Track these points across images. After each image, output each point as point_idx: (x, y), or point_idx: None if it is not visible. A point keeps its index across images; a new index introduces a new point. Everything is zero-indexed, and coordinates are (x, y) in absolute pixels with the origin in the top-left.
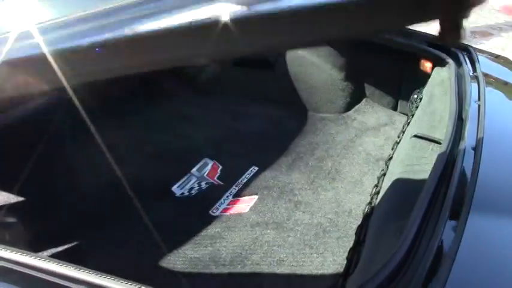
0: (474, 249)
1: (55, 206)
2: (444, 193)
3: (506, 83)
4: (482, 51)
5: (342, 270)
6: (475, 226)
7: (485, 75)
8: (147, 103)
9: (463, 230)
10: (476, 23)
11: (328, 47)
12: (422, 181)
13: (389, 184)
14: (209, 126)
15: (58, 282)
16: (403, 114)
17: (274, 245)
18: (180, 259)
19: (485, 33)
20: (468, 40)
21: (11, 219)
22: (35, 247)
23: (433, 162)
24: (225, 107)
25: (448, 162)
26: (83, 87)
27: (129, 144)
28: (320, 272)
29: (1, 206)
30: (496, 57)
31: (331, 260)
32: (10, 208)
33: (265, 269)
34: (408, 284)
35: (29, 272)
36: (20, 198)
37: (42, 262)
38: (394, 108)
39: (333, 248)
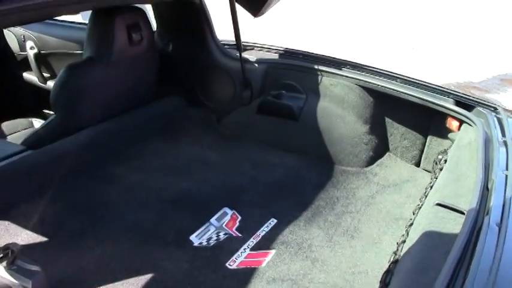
0: None
1: (74, 247)
2: (464, 271)
3: None
4: (510, 111)
5: None
6: None
7: None
8: (169, 146)
9: None
10: (506, 70)
11: (354, 99)
12: (442, 255)
13: (408, 253)
14: (229, 173)
15: None
16: (426, 171)
17: None
18: None
19: None
20: (495, 88)
21: (34, 268)
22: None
23: (455, 234)
24: (247, 154)
25: (470, 238)
26: (108, 129)
27: (149, 188)
28: None
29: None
30: None
31: None
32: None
33: None
34: None
35: None
36: (41, 239)
37: None
38: (417, 165)
39: None
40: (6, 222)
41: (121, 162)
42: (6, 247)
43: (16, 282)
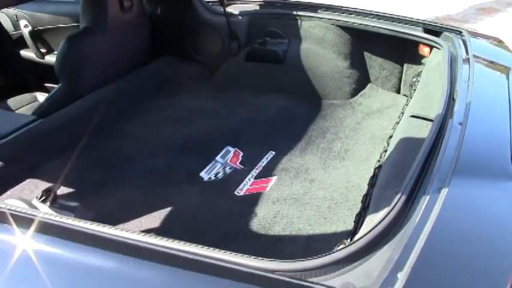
0: (454, 208)
1: (99, 195)
2: (432, 162)
3: (492, 62)
4: (475, 34)
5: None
6: (457, 189)
7: (476, 56)
8: (168, 101)
9: (446, 191)
10: (481, 0)
11: (333, 38)
12: (415, 154)
13: (388, 159)
14: (227, 117)
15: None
16: (406, 96)
17: (293, 217)
18: (212, 232)
19: (490, 9)
20: (473, 18)
21: (73, 204)
22: None
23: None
24: (241, 99)
25: (438, 137)
26: (111, 92)
27: (155, 138)
28: (334, 237)
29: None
30: (484, 37)
31: (343, 227)
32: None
33: (286, 238)
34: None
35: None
36: (67, 191)
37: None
38: (398, 91)
39: (344, 218)
40: (35, 180)
41: (126, 120)
42: (48, 189)
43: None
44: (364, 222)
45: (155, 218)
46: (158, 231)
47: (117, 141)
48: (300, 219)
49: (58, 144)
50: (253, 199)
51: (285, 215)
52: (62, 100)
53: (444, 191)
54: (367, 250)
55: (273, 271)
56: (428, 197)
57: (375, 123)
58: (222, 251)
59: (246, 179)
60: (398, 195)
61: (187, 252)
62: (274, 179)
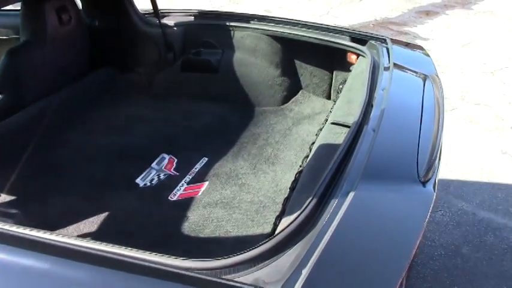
0: (359, 210)
1: (39, 202)
2: (344, 167)
3: (411, 70)
4: (397, 42)
5: None
6: (363, 192)
7: (396, 64)
8: (108, 110)
9: (353, 195)
10: (420, 3)
11: (264, 47)
12: (331, 159)
13: (308, 164)
14: (164, 125)
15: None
16: (335, 101)
17: (223, 220)
18: (145, 236)
19: (429, 12)
20: (412, 21)
21: (12, 211)
22: None
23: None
24: (177, 108)
25: (352, 143)
26: (53, 102)
27: (96, 146)
28: (259, 238)
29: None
30: (407, 45)
31: (268, 229)
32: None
33: (215, 240)
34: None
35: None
36: (8, 198)
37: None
38: (328, 97)
39: (270, 220)
40: None
41: (69, 129)
42: None
43: None
44: (280, 224)
45: (93, 223)
46: (94, 235)
47: (59, 149)
48: (229, 222)
49: (0, 155)
50: (186, 204)
51: (214, 218)
52: (4, 111)
53: (351, 194)
54: (279, 249)
55: (189, 269)
56: (337, 200)
57: (305, 128)
58: (147, 252)
59: (179, 185)
60: (310, 199)
61: (112, 253)
62: (206, 184)
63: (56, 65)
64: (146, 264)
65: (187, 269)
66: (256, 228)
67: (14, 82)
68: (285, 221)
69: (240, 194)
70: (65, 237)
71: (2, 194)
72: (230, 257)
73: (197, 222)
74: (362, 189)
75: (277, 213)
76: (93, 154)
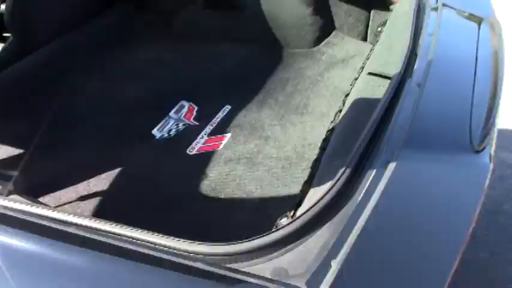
0: (401, 185)
1: (48, 157)
2: (383, 131)
3: (464, 12)
4: None
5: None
6: (406, 163)
7: (445, 5)
8: (124, 53)
9: (394, 166)
10: None
11: None
12: (368, 118)
13: (341, 120)
14: (184, 70)
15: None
16: (372, 44)
17: (246, 178)
18: (159, 195)
19: None
20: None
21: (10, 172)
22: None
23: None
24: (198, 50)
25: (393, 100)
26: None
27: (110, 93)
28: (284, 202)
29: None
30: None
31: (295, 189)
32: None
33: (236, 201)
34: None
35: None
36: (16, 153)
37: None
38: (364, 39)
39: (298, 179)
40: None
41: (80, 75)
42: None
43: None
44: (307, 196)
45: (103, 181)
46: (104, 194)
47: (69, 98)
48: (252, 181)
49: (8, 103)
50: (205, 158)
51: (236, 176)
52: (13, 55)
53: (392, 166)
54: (304, 232)
55: (202, 254)
56: (374, 171)
57: (338, 74)
58: (151, 233)
59: (199, 137)
60: (342, 169)
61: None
62: (228, 136)
63: (68, 4)
64: (145, 251)
65: (193, 255)
66: (281, 188)
67: (23, 23)
68: (313, 193)
69: (264, 148)
70: (61, 213)
71: (7, 146)
72: (246, 241)
73: (217, 181)
74: (404, 159)
75: (306, 171)
76: (106, 102)
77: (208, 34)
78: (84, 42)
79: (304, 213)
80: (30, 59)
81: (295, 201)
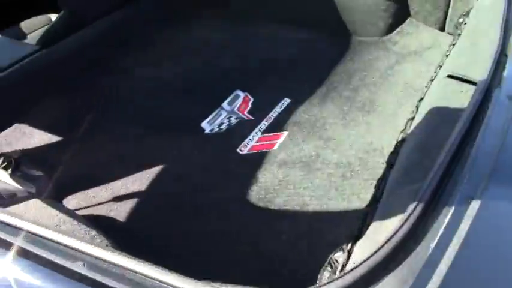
0: (488, 229)
1: (87, 144)
2: (466, 153)
3: None
4: None
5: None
6: (492, 200)
7: None
8: (178, 33)
9: (479, 204)
10: None
11: None
12: (447, 135)
13: (414, 132)
14: (241, 54)
15: None
16: (451, 34)
17: (300, 187)
18: (204, 197)
19: None
20: None
21: (37, 173)
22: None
23: (464, 109)
24: (258, 32)
25: (478, 113)
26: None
27: (159, 77)
28: (343, 218)
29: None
30: None
31: (356, 204)
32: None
33: (288, 213)
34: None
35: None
36: (55, 139)
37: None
38: (442, 29)
39: (359, 191)
40: (22, 125)
41: (128, 54)
42: (8, 155)
43: (21, 188)
44: (371, 225)
45: (141, 179)
46: (140, 195)
47: (114, 78)
48: (308, 190)
49: (53, 81)
50: (257, 160)
51: (291, 183)
52: (63, 29)
53: (476, 203)
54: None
55: None
56: (453, 209)
57: (411, 68)
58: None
59: (253, 133)
60: (414, 204)
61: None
62: (284, 134)
63: None
64: None
65: None
66: (340, 202)
67: None
68: (375, 228)
69: (324, 152)
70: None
71: (42, 131)
72: None
73: (268, 187)
74: (492, 196)
75: (368, 182)
76: (153, 87)
77: (269, 15)
78: (136, 19)
79: (364, 261)
80: (78, 36)
81: (353, 228)
